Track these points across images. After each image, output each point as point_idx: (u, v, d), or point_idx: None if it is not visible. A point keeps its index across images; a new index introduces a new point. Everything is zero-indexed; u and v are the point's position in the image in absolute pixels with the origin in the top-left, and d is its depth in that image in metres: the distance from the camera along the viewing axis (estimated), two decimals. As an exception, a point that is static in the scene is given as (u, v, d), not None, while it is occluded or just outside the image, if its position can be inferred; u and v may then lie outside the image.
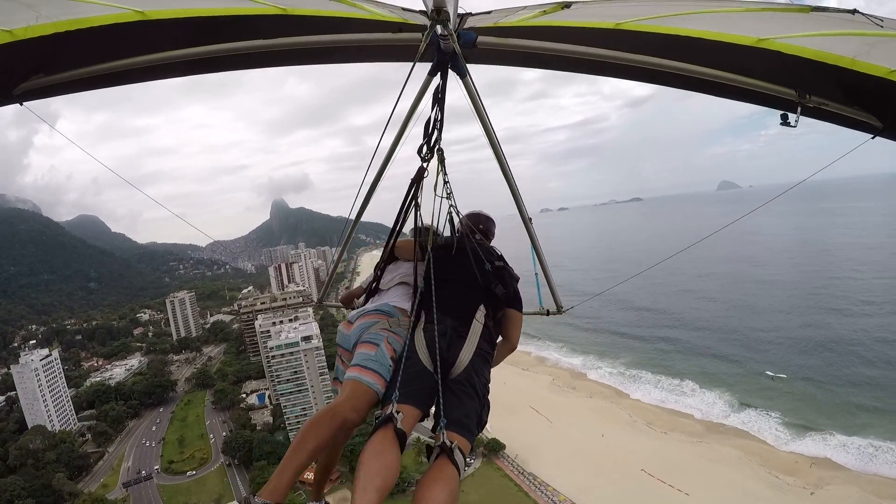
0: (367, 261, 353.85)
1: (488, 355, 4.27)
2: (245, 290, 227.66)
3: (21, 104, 2.80)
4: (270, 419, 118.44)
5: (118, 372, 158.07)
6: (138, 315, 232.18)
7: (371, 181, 4.75)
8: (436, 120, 4.02)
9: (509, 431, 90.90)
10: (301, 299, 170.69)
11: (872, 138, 2.78)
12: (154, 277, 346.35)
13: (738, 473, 77.00)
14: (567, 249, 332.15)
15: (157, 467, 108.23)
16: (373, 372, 3.96)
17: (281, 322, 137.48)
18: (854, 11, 3.01)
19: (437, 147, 4.26)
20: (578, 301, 6.45)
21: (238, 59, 3.46)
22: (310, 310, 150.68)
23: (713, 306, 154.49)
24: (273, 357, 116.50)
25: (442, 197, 4.65)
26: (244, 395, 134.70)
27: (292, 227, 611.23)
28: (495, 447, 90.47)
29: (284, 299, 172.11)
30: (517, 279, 4.74)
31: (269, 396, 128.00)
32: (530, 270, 5.58)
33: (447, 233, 4.88)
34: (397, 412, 3.58)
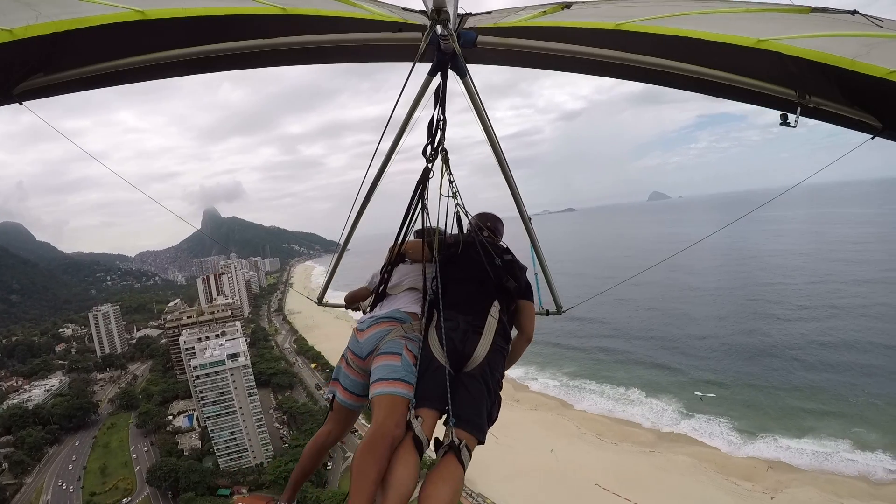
0: (301, 272, 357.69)
1: (503, 350, 4.39)
2: (171, 304, 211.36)
3: (21, 103, 2.82)
4: (199, 443, 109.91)
5: (37, 393, 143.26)
6: (61, 330, 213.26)
7: (371, 181, 4.72)
8: (438, 120, 4.05)
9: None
10: (230, 313, 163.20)
11: (872, 138, 2.83)
12: (80, 289, 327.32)
13: (696, 482, 75.91)
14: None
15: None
16: (402, 382, 4.01)
17: (207, 338, 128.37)
18: (854, 12, 3.07)
19: (440, 147, 4.28)
20: (577, 301, 6.56)
21: (238, 58, 3.48)
22: (238, 324, 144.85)
23: (650, 315, 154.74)
24: (197, 377, 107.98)
25: (448, 196, 4.68)
26: (171, 417, 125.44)
27: (224, 236, 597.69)
28: None
29: (212, 313, 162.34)
30: (525, 269, 4.82)
31: (197, 418, 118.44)
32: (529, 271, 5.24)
33: (454, 232, 4.88)
34: (416, 417, 3.81)
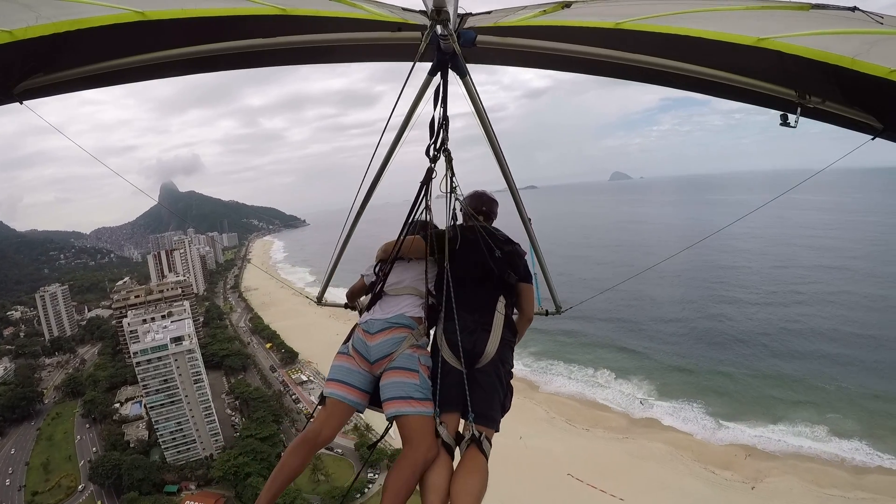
0: (260, 247, 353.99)
1: (511, 342, 4.57)
2: (120, 282, 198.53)
3: (21, 103, 2.84)
4: (146, 434, 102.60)
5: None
6: (9, 313, 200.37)
7: (371, 180, 4.56)
8: (441, 120, 4.06)
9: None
10: (180, 291, 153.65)
11: (872, 139, 2.84)
12: (32, 269, 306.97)
13: (673, 471, 74.24)
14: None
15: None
16: (426, 401, 4.17)
17: (153, 319, 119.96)
18: (854, 9, 3.06)
19: (444, 147, 4.29)
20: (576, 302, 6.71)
21: (237, 58, 3.49)
22: (186, 304, 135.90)
23: (613, 296, 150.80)
24: (138, 364, 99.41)
25: (448, 193, 4.73)
26: (118, 405, 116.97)
27: (182, 211, 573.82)
28: None
29: (161, 292, 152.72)
30: (524, 254, 4.88)
31: (145, 405, 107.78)
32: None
33: (454, 230, 4.88)
34: (440, 423, 4.15)
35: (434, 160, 4.27)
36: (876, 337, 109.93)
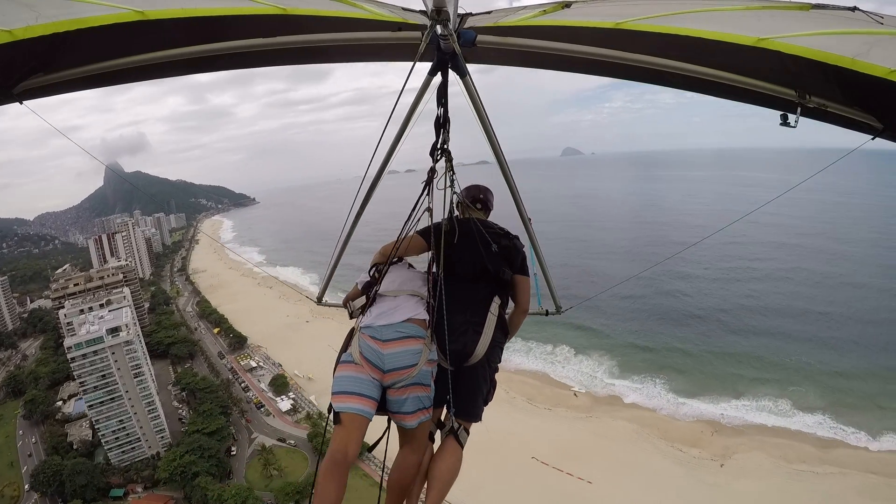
0: (208, 227, 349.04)
1: (501, 343, 4.70)
2: (60, 269, 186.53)
3: (21, 103, 2.83)
4: (90, 433, 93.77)
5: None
6: None
7: (371, 180, 4.55)
8: (442, 119, 4.09)
9: (371, 426, 76.48)
10: (121, 277, 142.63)
11: (872, 139, 2.85)
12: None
13: (640, 451, 73.23)
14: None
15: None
16: (431, 409, 4.42)
17: (90, 309, 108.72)
18: (854, 9, 3.07)
19: (445, 147, 4.31)
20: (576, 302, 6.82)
21: (237, 57, 3.48)
22: (126, 291, 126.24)
23: (566, 272, 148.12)
24: (73, 359, 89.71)
25: (446, 188, 4.77)
26: (61, 403, 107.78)
27: (128, 193, 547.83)
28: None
29: (102, 278, 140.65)
30: (523, 248, 4.91)
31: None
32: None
33: (451, 222, 4.88)
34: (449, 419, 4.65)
35: (436, 160, 4.29)
36: (830, 314, 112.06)
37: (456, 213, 5.14)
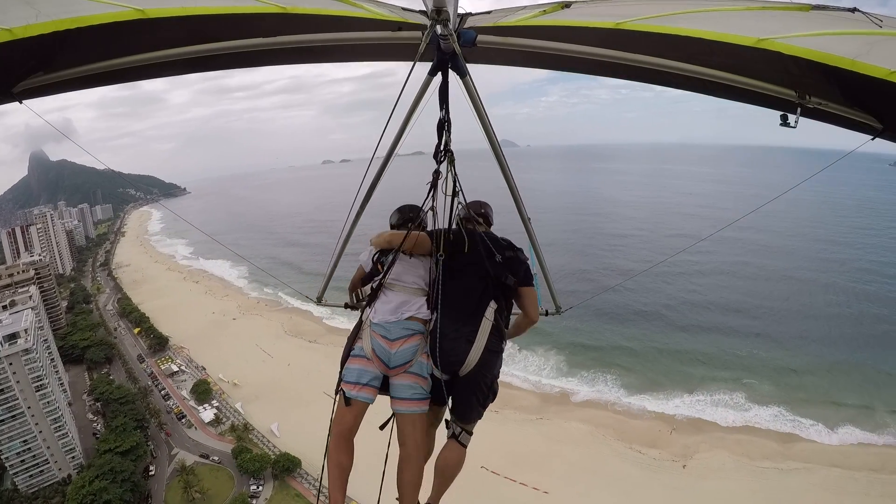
0: (136, 219, 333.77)
1: (497, 350, 4.74)
2: None
3: (21, 102, 2.84)
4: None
5: None
6: None
7: (372, 179, 4.59)
8: (444, 121, 4.10)
9: (303, 436, 74.42)
10: (33, 273, 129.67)
11: (872, 139, 2.90)
12: None
13: (597, 454, 70.72)
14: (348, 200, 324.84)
15: None
16: (427, 400, 4.70)
17: None
18: (854, 10, 3.10)
19: (448, 149, 4.34)
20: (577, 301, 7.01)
21: (238, 57, 3.49)
22: (33, 290, 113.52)
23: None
24: (-37, 372, 77.73)
25: (446, 195, 4.77)
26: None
27: (53, 182, 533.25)
28: (288, 466, 72.40)
29: (11, 275, 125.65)
30: (526, 261, 4.97)
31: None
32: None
33: (460, 232, 4.95)
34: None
35: (440, 162, 4.31)
36: (773, 308, 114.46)
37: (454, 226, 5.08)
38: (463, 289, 4.61)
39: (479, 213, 5.18)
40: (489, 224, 5.33)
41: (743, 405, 78.55)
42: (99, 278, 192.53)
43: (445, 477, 4.82)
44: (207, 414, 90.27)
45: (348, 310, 5.59)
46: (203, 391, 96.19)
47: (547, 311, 6.20)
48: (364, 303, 4.98)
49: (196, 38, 3.11)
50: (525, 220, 5.13)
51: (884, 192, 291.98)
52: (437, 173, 4.44)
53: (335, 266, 5.94)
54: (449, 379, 4.58)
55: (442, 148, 4.24)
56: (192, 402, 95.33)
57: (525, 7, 3.72)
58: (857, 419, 73.61)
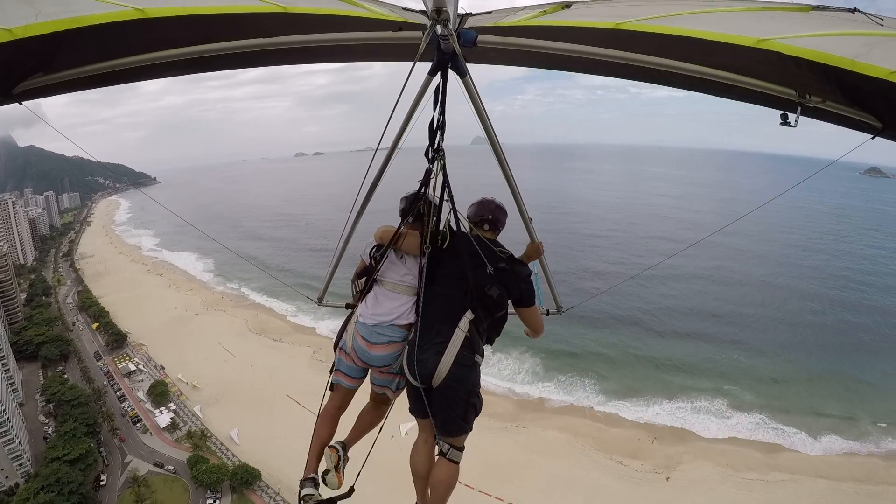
0: (104, 208, 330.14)
1: (472, 362, 4.59)
2: None
3: (20, 103, 2.84)
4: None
5: None
6: None
7: (372, 179, 4.61)
8: (438, 121, 4.09)
9: (265, 443, 72.95)
10: None
11: (872, 138, 2.91)
12: None
13: (577, 465, 67.78)
14: (333, 192, 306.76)
15: None
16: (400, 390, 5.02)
17: None
18: (854, 10, 3.13)
19: (438, 148, 4.31)
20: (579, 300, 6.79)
21: (238, 57, 3.51)
22: None
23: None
24: None
25: (440, 199, 4.74)
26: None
27: (20, 169, 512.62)
28: (247, 478, 68.71)
29: None
30: (527, 275, 4.86)
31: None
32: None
33: (447, 230, 4.92)
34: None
35: (432, 161, 4.30)
36: (750, 315, 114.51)
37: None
38: (443, 295, 4.56)
39: (484, 217, 4.97)
40: (496, 230, 5.05)
41: (724, 412, 77.49)
42: (61, 269, 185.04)
43: (439, 494, 4.79)
44: (164, 418, 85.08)
45: (349, 310, 5.36)
46: (160, 393, 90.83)
47: (548, 310, 6.21)
48: (359, 298, 5.08)
49: (196, 38, 3.11)
50: (526, 221, 5.13)
51: (854, 199, 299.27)
52: (428, 172, 4.40)
53: (336, 266, 5.92)
54: (426, 389, 4.50)
55: (434, 148, 4.20)
56: (148, 405, 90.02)
57: (525, 7, 3.69)
58: (839, 428, 73.11)
